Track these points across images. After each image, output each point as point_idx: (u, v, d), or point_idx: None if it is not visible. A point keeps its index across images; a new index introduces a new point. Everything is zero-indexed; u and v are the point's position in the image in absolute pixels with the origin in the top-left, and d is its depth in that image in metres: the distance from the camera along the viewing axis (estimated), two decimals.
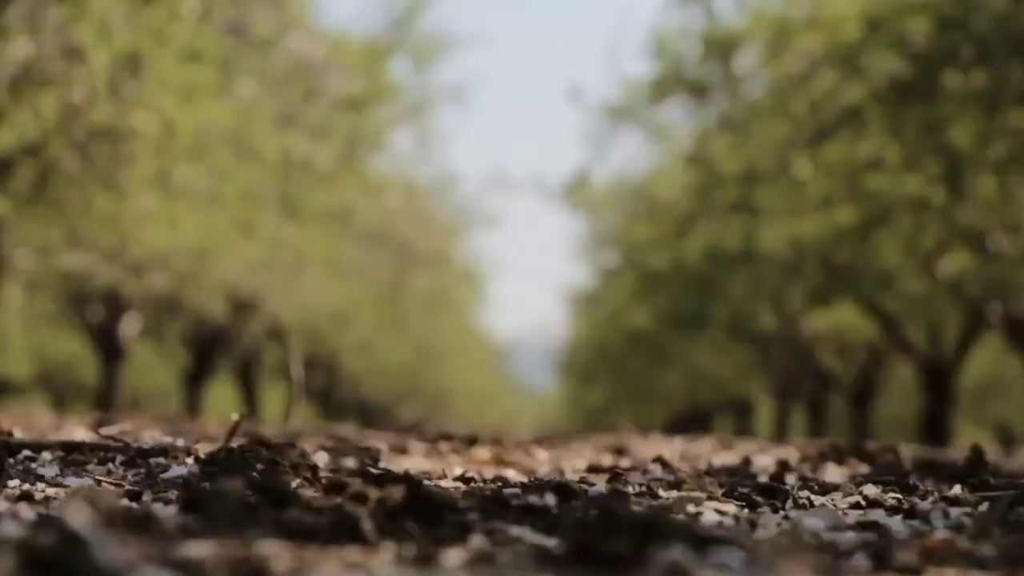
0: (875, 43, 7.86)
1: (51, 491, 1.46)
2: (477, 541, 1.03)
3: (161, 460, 1.76)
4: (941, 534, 1.22)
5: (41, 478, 1.60)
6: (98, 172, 7.23)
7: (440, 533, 1.04)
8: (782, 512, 1.48)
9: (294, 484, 1.46)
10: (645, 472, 2.00)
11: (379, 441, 2.84)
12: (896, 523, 1.32)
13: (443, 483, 1.69)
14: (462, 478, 1.80)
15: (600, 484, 1.67)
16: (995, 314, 9.93)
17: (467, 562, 0.93)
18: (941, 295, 10.23)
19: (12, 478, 1.57)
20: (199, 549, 0.89)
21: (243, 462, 1.51)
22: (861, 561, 1.03)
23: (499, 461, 2.64)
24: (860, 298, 10.97)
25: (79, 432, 2.49)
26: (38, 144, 6.97)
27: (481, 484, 1.71)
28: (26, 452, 1.81)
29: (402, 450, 2.62)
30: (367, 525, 0.98)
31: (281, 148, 9.82)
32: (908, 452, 3.33)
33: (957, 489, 1.75)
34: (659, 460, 2.19)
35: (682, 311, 14.30)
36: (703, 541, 0.95)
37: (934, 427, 11.48)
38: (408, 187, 17.02)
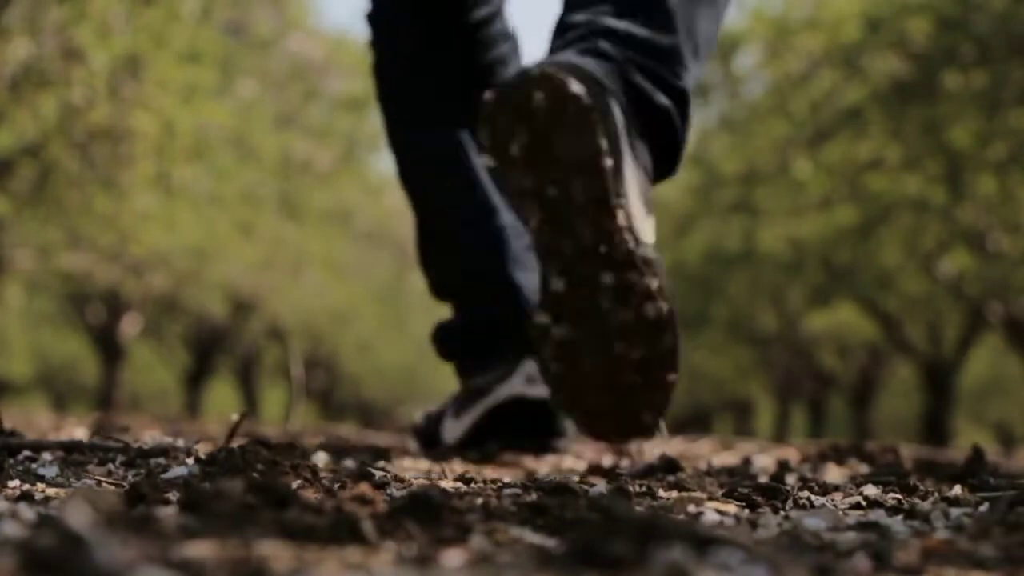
0: (875, 43, 7.87)
1: (51, 491, 1.46)
2: (477, 541, 1.04)
3: (161, 460, 1.76)
4: (941, 534, 1.22)
5: (41, 478, 1.60)
6: (98, 172, 7.23)
7: (440, 533, 1.05)
8: (782, 512, 1.48)
9: (294, 484, 1.46)
10: (646, 472, 2.01)
11: (379, 441, 2.84)
12: (896, 523, 1.32)
13: (443, 483, 1.69)
14: (462, 478, 1.80)
15: (600, 484, 1.67)
16: (995, 314, 9.93)
17: (467, 562, 0.93)
18: (941, 295, 10.23)
19: (12, 478, 1.57)
20: (199, 549, 0.89)
21: (243, 462, 1.51)
22: (861, 561, 1.03)
23: (499, 461, 2.64)
24: (860, 298, 10.97)
25: (79, 432, 2.49)
26: (38, 144, 6.98)
27: (481, 484, 1.71)
28: (26, 452, 1.81)
29: (402, 450, 2.62)
30: (367, 525, 0.98)
31: (281, 148, 9.83)
32: (908, 452, 3.33)
33: (957, 489, 1.75)
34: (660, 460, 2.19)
35: (682, 311, 14.28)
36: (703, 541, 0.95)
37: (934, 427, 11.49)
38: None
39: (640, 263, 1.49)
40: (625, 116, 1.54)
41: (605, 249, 1.48)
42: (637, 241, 1.52)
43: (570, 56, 1.54)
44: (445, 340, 2.31)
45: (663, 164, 1.71)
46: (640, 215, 1.53)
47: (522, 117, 1.43)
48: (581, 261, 1.46)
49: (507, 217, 2.16)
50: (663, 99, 1.67)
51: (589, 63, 1.53)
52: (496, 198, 2.15)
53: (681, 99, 1.72)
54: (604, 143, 1.43)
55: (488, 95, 1.49)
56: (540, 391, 2.14)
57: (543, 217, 1.46)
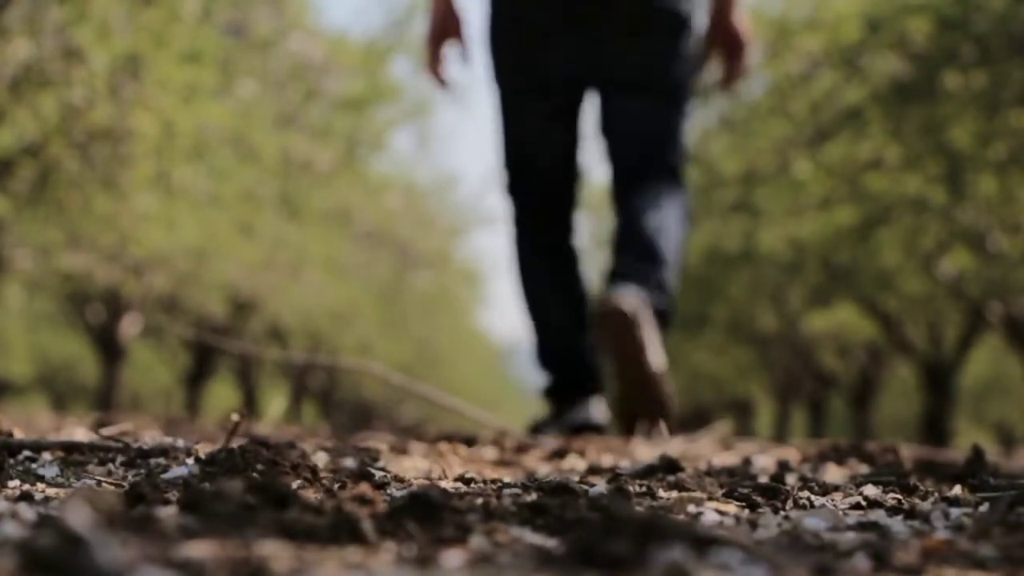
0: (875, 43, 7.87)
1: (51, 491, 1.46)
2: (477, 541, 1.04)
3: (161, 460, 1.76)
4: (941, 534, 1.22)
5: (41, 478, 1.60)
6: (98, 173, 7.23)
7: (440, 533, 1.05)
8: (782, 512, 1.48)
9: (294, 484, 1.46)
10: (646, 472, 2.01)
11: (379, 441, 2.84)
12: (896, 523, 1.32)
13: (443, 483, 1.69)
14: (462, 478, 1.80)
15: (600, 484, 1.67)
16: (995, 314, 9.93)
17: (467, 562, 0.93)
18: (941, 295, 10.23)
19: (12, 478, 1.57)
20: (199, 549, 0.89)
21: (243, 462, 1.51)
22: (861, 561, 1.03)
23: (499, 461, 2.64)
24: (860, 298, 10.97)
25: (79, 432, 2.49)
26: (38, 145, 6.98)
27: (481, 484, 1.71)
28: (26, 452, 1.81)
29: (402, 450, 2.62)
30: (367, 525, 0.98)
31: (281, 148, 9.83)
32: (908, 452, 3.33)
33: (957, 489, 1.75)
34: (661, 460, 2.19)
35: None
36: (703, 541, 0.95)
37: (934, 427, 11.49)
38: (408, 187, 17.03)
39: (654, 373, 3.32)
40: (648, 311, 3.34)
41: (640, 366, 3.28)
42: (653, 363, 3.32)
43: (624, 290, 3.33)
44: (548, 389, 3.76)
45: (664, 323, 3.47)
46: (655, 350, 3.31)
47: (608, 322, 3.26)
48: (628, 368, 3.29)
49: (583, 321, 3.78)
50: (663, 302, 3.48)
51: (632, 292, 3.33)
52: (578, 310, 3.76)
53: (670, 299, 3.52)
54: (639, 331, 3.26)
55: (595, 310, 3.42)
56: (599, 417, 3.65)
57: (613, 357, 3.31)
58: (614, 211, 3.70)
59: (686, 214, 3.69)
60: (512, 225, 3.78)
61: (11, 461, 1.71)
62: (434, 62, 3.73)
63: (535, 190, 3.73)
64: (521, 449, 2.81)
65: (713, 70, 3.84)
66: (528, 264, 3.76)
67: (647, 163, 3.61)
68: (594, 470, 2.35)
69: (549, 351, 3.78)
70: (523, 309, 3.81)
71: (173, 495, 1.31)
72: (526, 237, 3.76)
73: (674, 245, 3.53)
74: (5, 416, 3.80)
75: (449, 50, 3.76)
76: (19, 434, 1.99)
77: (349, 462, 2.10)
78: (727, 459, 2.71)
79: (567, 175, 3.73)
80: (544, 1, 3.51)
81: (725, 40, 3.68)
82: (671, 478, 1.78)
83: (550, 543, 1.02)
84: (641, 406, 3.32)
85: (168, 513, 1.04)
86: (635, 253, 3.45)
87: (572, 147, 3.70)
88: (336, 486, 1.52)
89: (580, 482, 1.70)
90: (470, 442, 2.88)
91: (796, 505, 1.54)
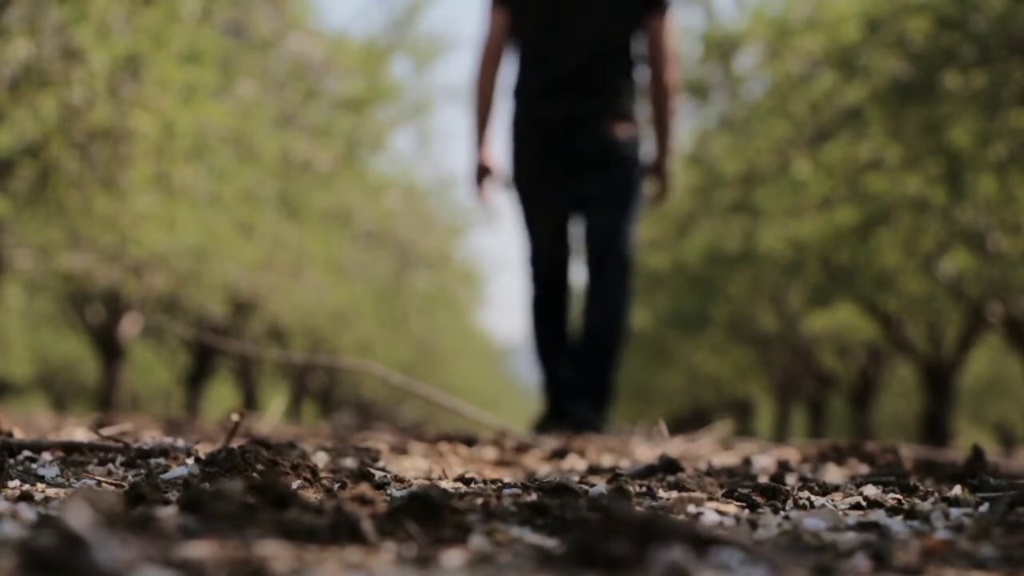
0: (875, 43, 7.86)
1: (51, 492, 1.46)
2: (477, 542, 1.04)
3: (161, 460, 1.76)
4: (941, 534, 1.22)
5: (41, 479, 1.60)
6: (98, 173, 7.23)
7: (440, 533, 1.05)
8: (782, 512, 1.48)
9: (294, 485, 1.46)
10: (646, 472, 2.01)
11: (379, 441, 2.84)
12: (896, 524, 1.32)
13: (443, 483, 1.70)
14: (462, 478, 1.80)
15: (600, 484, 1.67)
16: (995, 314, 9.93)
17: (467, 562, 0.93)
18: (941, 295, 10.23)
19: (12, 478, 1.57)
20: (199, 549, 0.89)
21: (243, 462, 1.51)
22: (861, 561, 1.03)
23: (499, 461, 2.64)
24: (860, 298, 10.97)
25: (79, 432, 2.49)
26: (38, 145, 6.97)
27: (481, 484, 1.71)
28: (26, 452, 1.81)
29: (402, 450, 2.62)
30: (367, 525, 0.98)
31: (281, 148, 9.83)
32: (908, 452, 3.33)
33: (957, 489, 1.75)
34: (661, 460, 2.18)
35: (682, 311, 14.30)
36: (703, 541, 0.95)
37: (934, 427, 11.49)
38: (408, 187, 17.01)
39: None
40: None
41: None
42: None
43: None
44: (545, 388, 5.18)
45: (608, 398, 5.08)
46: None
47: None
48: None
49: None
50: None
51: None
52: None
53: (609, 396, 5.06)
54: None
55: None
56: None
57: None
58: (586, 281, 5.16)
59: (631, 292, 5.14)
60: (531, 304, 5.26)
61: (11, 461, 1.71)
62: (480, 195, 5.22)
63: (546, 278, 5.22)
64: (521, 449, 2.80)
65: (648, 190, 5.22)
66: (540, 332, 5.27)
67: (610, 253, 5.07)
68: (594, 470, 2.35)
69: (548, 380, 5.27)
70: (535, 356, 5.35)
71: (173, 495, 1.31)
72: (540, 315, 5.26)
73: (624, 322, 5.02)
74: (5, 416, 3.80)
75: (490, 185, 5.21)
76: (19, 434, 1.99)
77: (349, 462, 2.10)
78: (727, 459, 2.71)
79: (565, 268, 5.26)
80: (541, 154, 5.07)
81: (658, 177, 5.17)
82: (671, 478, 1.78)
83: (550, 543, 1.02)
84: None
85: (168, 513, 1.05)
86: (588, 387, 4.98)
87: (566, 251, 5.22)
88: (336, 486, 1.52)
89: (580, 482, 1.71)
90: (470, 442, 2.88)
91: (796, 505, 1.54)
